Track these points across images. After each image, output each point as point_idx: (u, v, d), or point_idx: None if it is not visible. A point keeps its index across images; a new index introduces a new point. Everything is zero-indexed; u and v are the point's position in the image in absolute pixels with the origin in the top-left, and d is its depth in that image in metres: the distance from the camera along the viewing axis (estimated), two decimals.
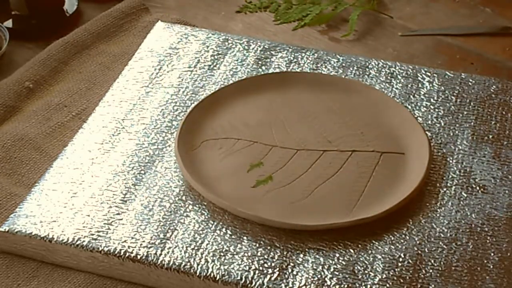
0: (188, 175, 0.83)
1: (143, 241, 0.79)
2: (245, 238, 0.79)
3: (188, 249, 0.78)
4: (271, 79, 0.96)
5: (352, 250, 0.78)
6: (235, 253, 0.78)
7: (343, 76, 0.97)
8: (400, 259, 0.77)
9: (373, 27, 1.15)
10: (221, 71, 0.99)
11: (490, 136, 0.90)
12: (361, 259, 0.77)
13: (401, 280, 0.76)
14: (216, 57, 1.01)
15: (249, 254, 0.78)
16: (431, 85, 0.96)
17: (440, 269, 0.77)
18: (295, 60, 1.00)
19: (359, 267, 0.77)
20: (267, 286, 0.75)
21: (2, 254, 0.81)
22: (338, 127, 0.91)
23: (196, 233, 0.79)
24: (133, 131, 0.91)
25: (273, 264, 0.77)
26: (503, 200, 0.83)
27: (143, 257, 0.77)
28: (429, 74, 0.98)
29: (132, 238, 0.79)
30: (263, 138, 0.89)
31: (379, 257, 0.78)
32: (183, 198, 0.83)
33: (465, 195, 0.84)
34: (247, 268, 0.76)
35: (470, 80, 0.97)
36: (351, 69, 0.99)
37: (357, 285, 0.75)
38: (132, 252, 0.78)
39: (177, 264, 0.77)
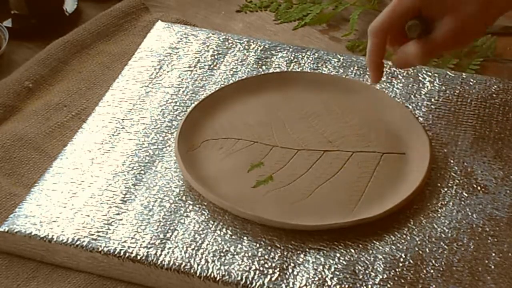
0: (188, 175, 0.83)
1: (143, 242, 0.78)
2: (245, 238, 0.79)
3: (188, 249, 0.78)
4: (271, 79, 0.96)
5: (353, 250, 0.78)
6: (235, 253, 0.77)
7: (344, 76, 0.97)
8: (401, 259, 0.77)
9: None
10: (221, 71, 0.99)
11: (491, 136, 0.90)
12: (362, 259, 0.77)
13: (402, 280, 0.75)
14: (216, 56, 1.01)
15: (250, 254, 0.77)
16: (432, 85, 0.96)
17: (441, 269, 0.76)
18: (295, 59, 1.00)
19: (360, 267, 0.76)
20: (267, 286, 0.75)
21: (1, 254, 0.81)
22: (339, 127, 0.90)
23: (196, 233, 0.79)
24: (133, 131, 0.91)
25: (273, 264, 0.77)
26: (504, 200, 0.83)
27: (143, 258, 0.77)
28: (430, 74, 0.98)
29: (132, 238, 0.79)
30: (263, 138, 0.89)
31: (380, 257, 0.77)
32: (183, 198, 0.83)
33: (466, 195, 0.83)
34: (247, 268, 0.76)
35: (471, 80, 0.97)
36: (351, 68, 0.99)
37: (358, 285, 0.75)
38: (132, 253, 0.77)
39: (177, 264, 0.77)
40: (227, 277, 0.76)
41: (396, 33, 0.86)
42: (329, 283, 0.75)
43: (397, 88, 0.96)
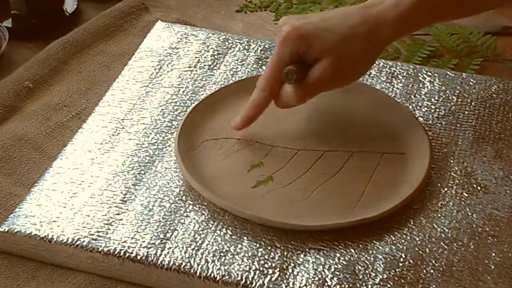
0: (188, 175, 0.83)
1: (143, 242, 0.78)
2: (245, 238, 0.79)
3: (188, 249, 0.78)
4: None
5: (353, 250, 0.78)
6: (235, 253, 0.77)
7: None
8: (401, 259, 0.77)
9: None
10: (221, 71, 0.99)
11: (491, 136, 0.90)
12: (362, 259, 0.77)
13: (402, 280, 0.75)
14: (216, 56, 1.01)
15: (250, 254, 0.77)
16: (432, 85, 0.96)
17: (441, 269, 0.76)
18: None
19: (360, 267, 0.76)
20: (267, 286, 0.75)
21: (1, 254, 0.81)
22: (339, 127, 0.90)
23: (196, 233, 0.79)
24: (133, 131, 0.91)
25: (273, 264, 0.77)
26: (504, 200, 0.83)
27: (143, 258, 0.77)
28: (430, 74, 0.98)
29: (132, 238, 0.79)
30: (263, 138, 0.89)
31: (380, 257, 0.77)
32: (183, 198, 0.83)
33: (466, 195, 0.83)
34: (247, 268, 0.76)
35: (471, 80, 0.97)
36: None
37: (358, 285, 0.75)
38: (132, 253, 0.77)
39: (177, 264, 0.77)
40: (227, 277, 0.76)
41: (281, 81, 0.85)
42: (329, 283, 0.75)
43: (397, 88, 0.96)
